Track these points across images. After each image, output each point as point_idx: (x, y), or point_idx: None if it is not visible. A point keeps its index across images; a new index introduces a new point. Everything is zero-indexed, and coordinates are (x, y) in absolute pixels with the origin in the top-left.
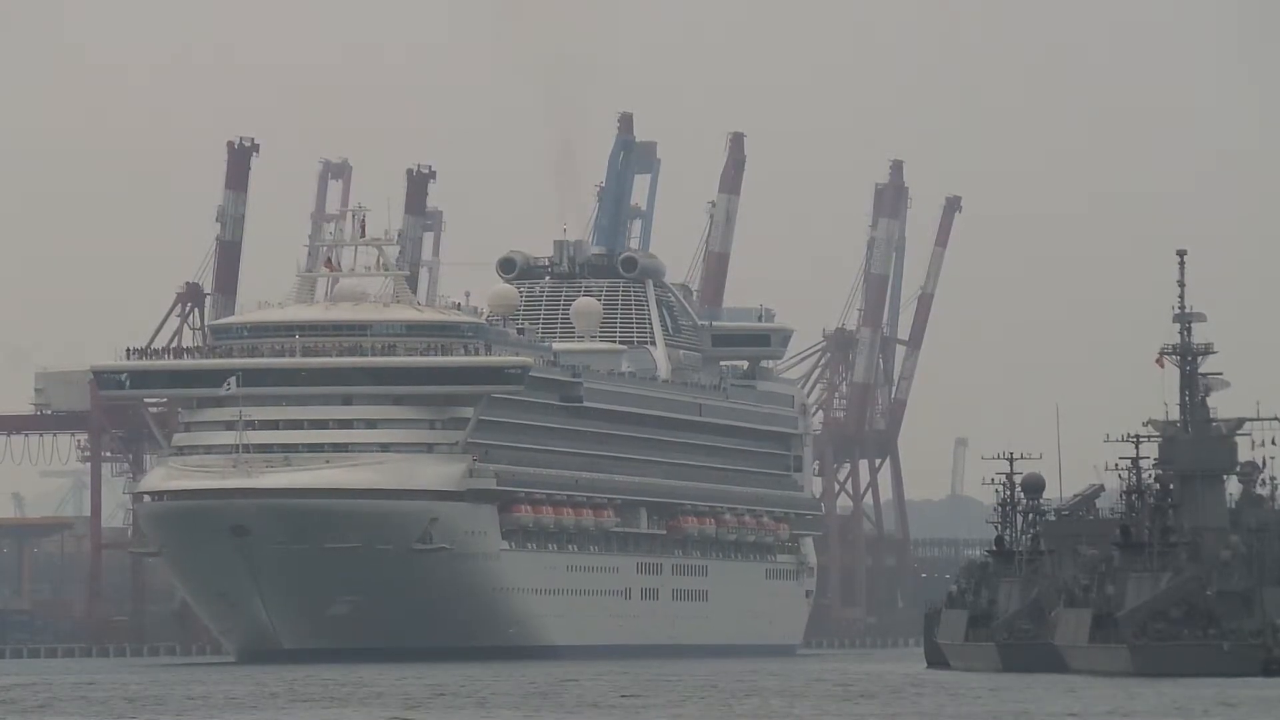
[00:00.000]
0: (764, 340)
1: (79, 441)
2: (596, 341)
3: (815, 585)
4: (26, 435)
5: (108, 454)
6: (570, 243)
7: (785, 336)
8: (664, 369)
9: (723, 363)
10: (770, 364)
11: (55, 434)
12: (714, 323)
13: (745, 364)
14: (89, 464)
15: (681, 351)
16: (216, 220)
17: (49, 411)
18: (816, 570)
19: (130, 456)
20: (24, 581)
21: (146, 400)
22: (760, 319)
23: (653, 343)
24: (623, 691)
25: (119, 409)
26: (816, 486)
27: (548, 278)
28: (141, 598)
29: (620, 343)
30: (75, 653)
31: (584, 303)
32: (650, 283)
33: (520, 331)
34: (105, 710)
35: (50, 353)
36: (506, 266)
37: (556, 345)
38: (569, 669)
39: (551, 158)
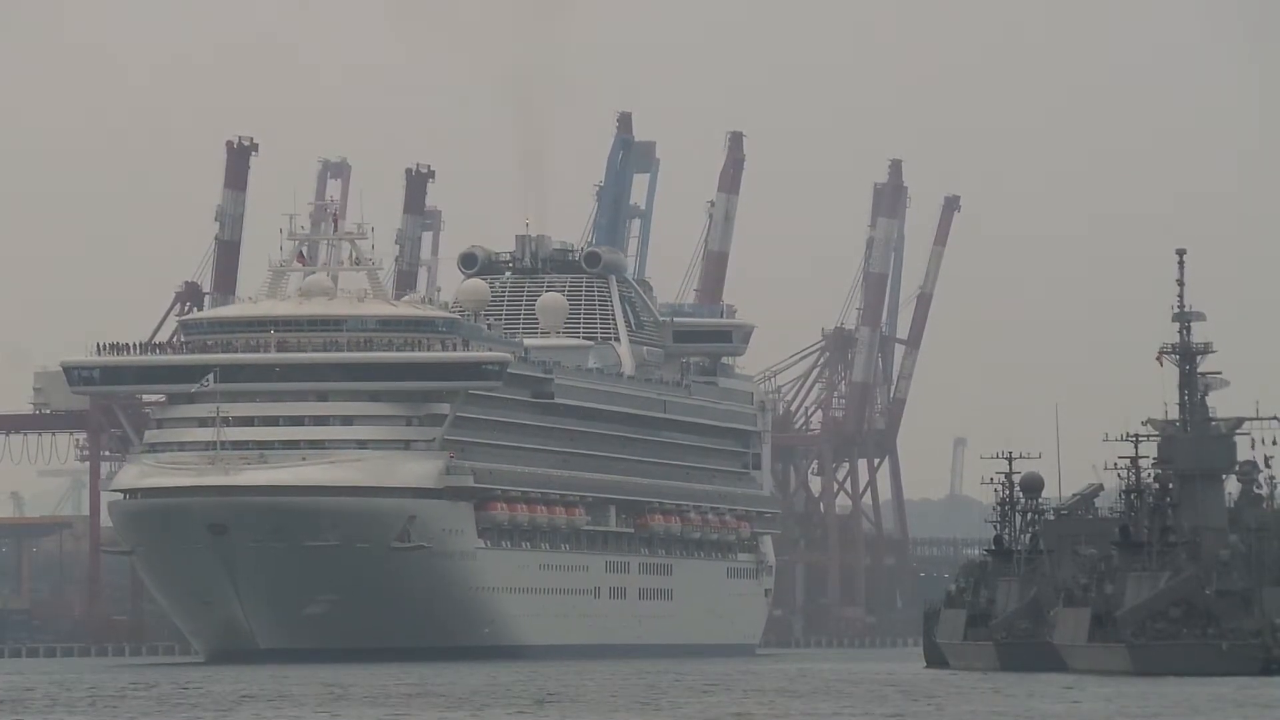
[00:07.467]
0: (725, 336)
1: (78, 441)
2: (562, 337)
3: (774, 584)
4: (25, 434)
5: (106, 453)
6: (532, 238)
7: (746, 333)
8: (628, 365)
9: (683, 359)
10: (730, 360)
11: (54, 433)
12: (676, 319)
13: (704, 360)
14: (88, 463)
15: (645, 348)
16: (215, 220)
17: (48, 411)
18: (775, 569)
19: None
20: (23, 581)
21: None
22: (722, 315)
23: (617, 339)
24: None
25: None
26: (817, 486)
27: (509, 273)
28: (141, 597)
29: (584, 338)
30: (75, 652)
31: (550, 298)
32: (614, 278)
33: (489, 327)
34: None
35: (50, 353)
36: (467, 262)
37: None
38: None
39: (523, 152)
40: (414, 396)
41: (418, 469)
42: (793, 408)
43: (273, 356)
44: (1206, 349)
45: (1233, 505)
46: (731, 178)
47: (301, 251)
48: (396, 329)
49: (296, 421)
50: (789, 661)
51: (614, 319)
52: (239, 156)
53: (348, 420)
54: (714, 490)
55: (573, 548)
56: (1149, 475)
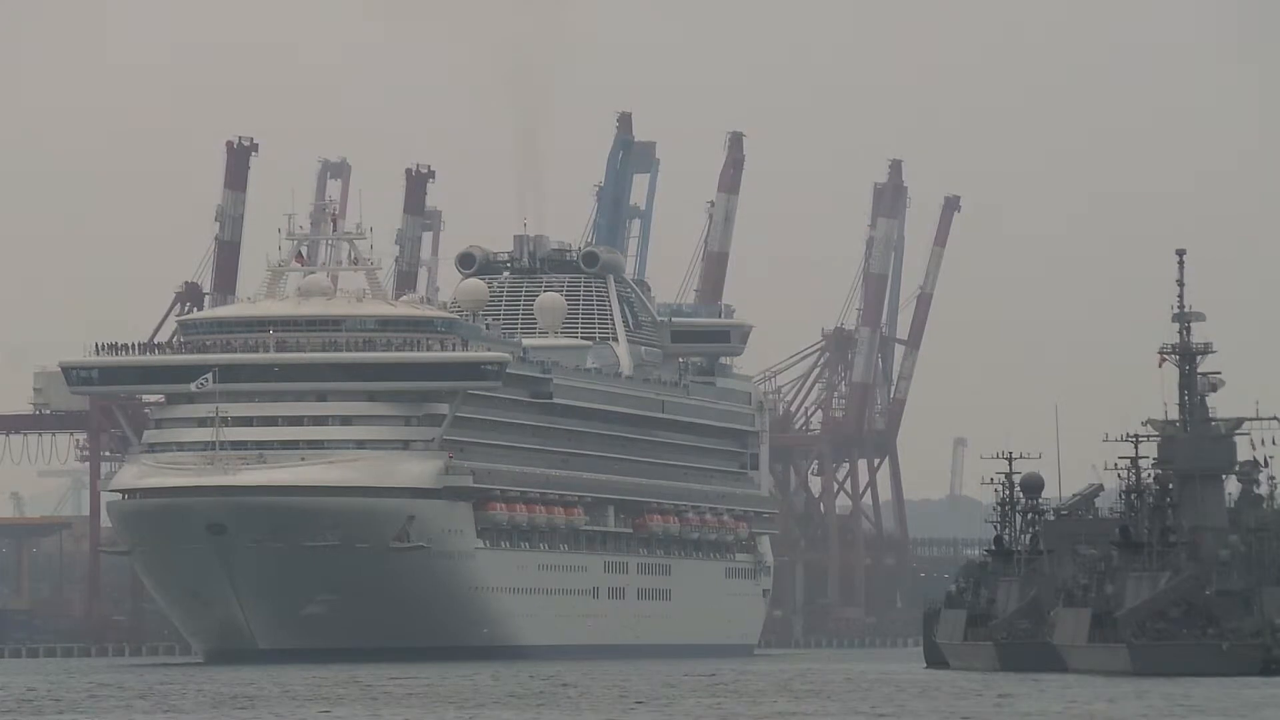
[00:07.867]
0: (724, 336)
1: (78, 441)
2: (560, 337)
3: (773, 584)
4: (25, 435)
5: (106, 453)
6: (530, 238)
7: (744, 333)
8: (626, 365)
9: (681, 359)
10: (728, 360)
11: (54, 433)
12: (674, 319)
13: (702, 360)
14: (88, 463)
15: (643, 348)
16: (215, 220)
17: (48, 411)
18: (773, 569)
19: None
20: (23, 581)
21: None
22: (720, 315)
23: (615, 339)
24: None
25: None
26: (817, 486)
27: (507, 273)
28: (141, 597)
29: (583, 338)
30: (74, 652)
31: (548, 298)
32: (611, 278)
33: (488, 327)
34: None
35: (50, 353)
36: (465, 262)
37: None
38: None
39: (522, 153)
40: (413, 396)
41: (416, 469)
42: (792, 408)
43: (271, 357)
44: (1206, 349)
45: (1233, 505)
46: (731, 178)
47: (301, 251)
48: (395, 329)
49: (295, 422)
50: (788, 662)
51: (612, 319)
52: (239, 156)
53: (346, 420)
54: (712, 490)
55: (571, 548)
56: (1149, 475)
